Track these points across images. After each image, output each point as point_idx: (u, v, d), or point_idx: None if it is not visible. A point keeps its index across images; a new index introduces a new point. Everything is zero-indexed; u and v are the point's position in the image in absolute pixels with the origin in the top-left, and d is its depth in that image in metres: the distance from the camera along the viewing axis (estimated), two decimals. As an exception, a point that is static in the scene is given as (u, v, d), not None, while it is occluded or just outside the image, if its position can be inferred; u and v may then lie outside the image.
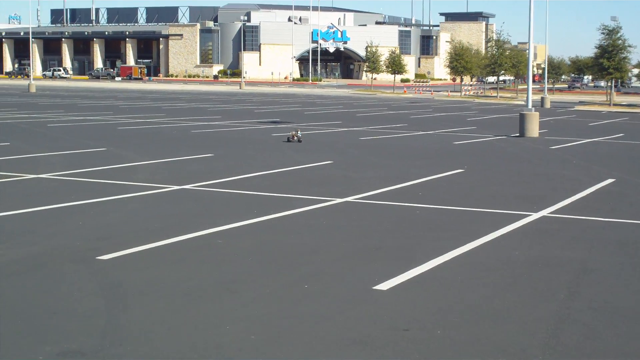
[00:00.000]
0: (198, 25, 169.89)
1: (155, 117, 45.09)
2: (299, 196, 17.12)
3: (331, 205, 16.20)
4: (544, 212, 15.69)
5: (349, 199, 16.95)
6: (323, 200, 16.57)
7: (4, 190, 17.62)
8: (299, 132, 31.19)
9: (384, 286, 10.07)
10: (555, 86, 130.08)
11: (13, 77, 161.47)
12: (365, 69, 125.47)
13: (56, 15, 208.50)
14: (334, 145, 29.91)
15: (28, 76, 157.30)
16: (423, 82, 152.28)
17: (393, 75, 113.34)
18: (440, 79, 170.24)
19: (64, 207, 15.35)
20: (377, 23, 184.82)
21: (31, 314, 8.81)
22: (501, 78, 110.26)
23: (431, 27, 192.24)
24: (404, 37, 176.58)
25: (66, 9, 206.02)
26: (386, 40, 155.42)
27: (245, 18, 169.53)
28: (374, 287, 10.02)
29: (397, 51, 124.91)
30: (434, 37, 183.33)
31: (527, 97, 37.77)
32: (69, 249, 11.85)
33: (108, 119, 42.72)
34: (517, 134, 36.09)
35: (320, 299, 9.56)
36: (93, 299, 9.47)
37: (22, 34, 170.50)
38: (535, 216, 15.28)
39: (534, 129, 35.95)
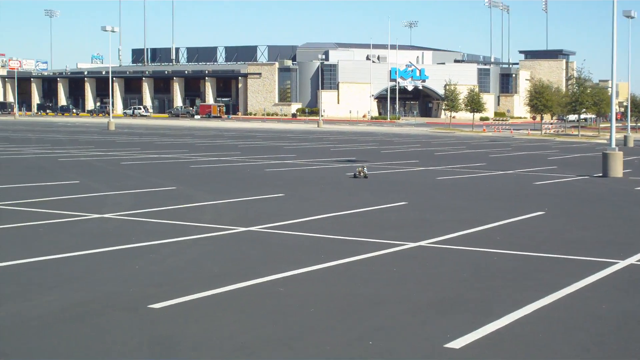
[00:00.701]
0: (277, 64, 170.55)
1: (230, 155, 44.72)
2: (370, 240, 16.29)
3: (403, 250, 15.34)
4: (632, 260, 14.62)
5: (423, 243, 16.06)
6: (395, 245, 15.72)
7: (65, 230, 17.13)
8: (365, 168, 31.90)
9: (457, 344, 9.17)
10: (639, 124, 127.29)
11: (95, 115, 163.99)
12: (443, 107, 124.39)
13: (137, 54, 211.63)
14: (410, 186, 29.05)
15: (108, 114, 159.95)
16: (502, 120, 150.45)
17: (472, 114, 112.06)
18: (520, 117, 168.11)
19: (124, 249, 14.75)
20: (455, 61, 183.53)
21: (70, 371, 8.13)
22: (582, 116, 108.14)
23: (510, 65, 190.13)
24: (482, 75, 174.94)
25: (147, 49, 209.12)
26: (465, 79, 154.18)
27: (324, 57, 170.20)
28: (446, 345, 9.13)
29: (476, 89, 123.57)
30: (514, 75, 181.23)
31: (611, 136, 36.47)
32: (121, 296, 11.19)
33: (183, 157, 42.46)
34: (600, 174, 34.78)
35: (385, 359, 8.70)
36: (138, 354, 8.74)
37: (103, 73, 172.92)
38: (622, 264, 14.21)
39: (617, 169, 34.59)
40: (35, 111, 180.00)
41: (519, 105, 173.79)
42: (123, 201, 22.36)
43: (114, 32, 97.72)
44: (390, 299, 11.34)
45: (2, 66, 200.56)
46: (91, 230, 17.31)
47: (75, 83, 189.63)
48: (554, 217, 20.76)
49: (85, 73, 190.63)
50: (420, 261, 14.36)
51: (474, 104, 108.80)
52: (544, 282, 12.66)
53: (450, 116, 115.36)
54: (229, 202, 22.51)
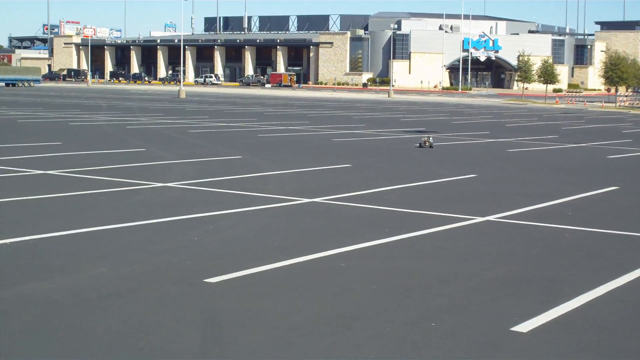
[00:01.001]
0: (348, 34, 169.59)
1: (299, 124, 44.38)
2: (437, 213, 15.81)
3: (471, 224, 14.83)
4: None
5: (491, 217, 15.53)
6: (463, 219, 15.22)
7: (126, 199, 16.93)
8: (430, 138, 31.84)
9: (524, 327, 8.67)
10: None
11: (167, 83, 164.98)
12: (516, 78, 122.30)
13: (209, 23, 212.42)
14: (480, 158, 28.42)
15: (180, 82, 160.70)
16: (576, 92, 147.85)
17: (545, 85, 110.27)
18: (594, 89, 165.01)
19: (184, 219, 14.47)
20: (529, 32, 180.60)
21: (113, 349, 7.83)
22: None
23: (586, 36, 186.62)
24: (557, 46, 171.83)
25: (219, 17, 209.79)
26: (538, 50, 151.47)
27: (396, 26, 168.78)
28: (512, 329, 8.64)
29: (550, 60, 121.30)
30: (589, 47, 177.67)
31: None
32: (176, 269, 10.87)
33: (251, 126, 42.22)
34: (678, 149, 33.72)
35: (446, 341, 8.26)
36: (189, 332, 8.41)
37: (175, 41, 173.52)
38: (702, 244, 13.55)
39: (696, 144, 33.44)
40: (108, 79, 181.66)
41: (593, 77, 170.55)
42: (187, 170, 22.12)
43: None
44: (456, 277, 10.88)
45: (76, 34, 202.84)
46: (153, 199, 17.08)
47: (148, 51, 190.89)
48: (629, 193, 20.02)
49: (158, 41, 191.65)
50: (488, 237, 13.84)
51: (548, 75, 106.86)
52: (618, 261, 12.08)
53: (523, 87, 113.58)
54: (294, 172, 22.15)
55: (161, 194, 17.81)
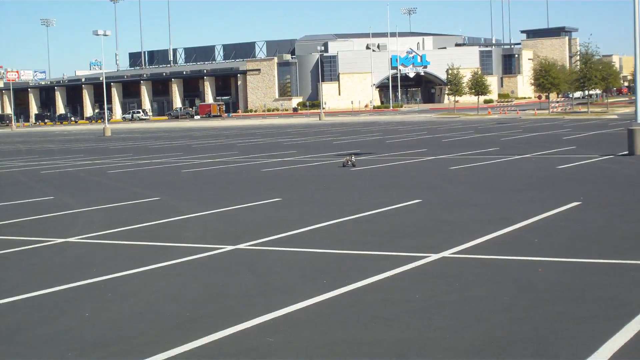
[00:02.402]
0: (275, 59, 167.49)
1: (227, 155, 41.86)
2: (382, 253, 13.43)
3: (424, 265, 12.44)
4: None
5: (446, 253, 13.17)
6: (413, 258, 12.84)
7: (17, 263, 14.26)
8: (353, 157, 31.54)
9: None
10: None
11: (93, 122, 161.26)
12: (447, 92, 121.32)
13: (134, 58, 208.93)
14: (422, 179, 26.18)
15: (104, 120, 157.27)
16: (507, 101, 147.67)
17: (476, 97, 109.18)
18: (524, 98, 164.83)
19: (78, 287, 11.88)
20: (456, 45, 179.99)
21: None
22: (589, 92, 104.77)
23: (512, 46, 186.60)
24: (485, 57, 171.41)
25: (144, 52, 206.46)
26: (467, 62, 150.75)
27: (323, 49, 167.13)
28: None
29: (479, 72, 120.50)
30: (516, 55, 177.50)
31: (636, 110, 33.50)
32: (53, 366, 8.31)
33: (176, 161, 39.58)
34: (626, 152, 31.81)
35: None
36: None
37: (100, 79, 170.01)
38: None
39: (645, 146, 31.58)
40: (34, 122, 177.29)
41: (522, 86, 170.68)
42: (96, 219, 19.44)
43: (106, 35, 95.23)
44: (416, 347, 8.46)
45: (0, 78, 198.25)
46: (47, 261, 14.41)
47: (73, 91, 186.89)
48: (594, 208, 17.80)
49: (83, 80, 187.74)
50: (448, 281, 11.40)
51: (478, 87, 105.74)
52: (614, 303, 9.77)
53: (454, 101, 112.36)
54: (218, 213, 19.57)
55: (59, 252, 15.14)
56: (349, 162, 31.03)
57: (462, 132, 58.37)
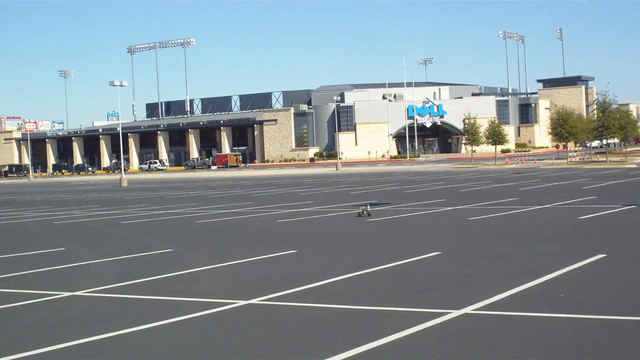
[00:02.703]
0: (292, 110, 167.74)
1: (242, 206, 41.37)
2: (401, 309, 12.85)
3: (445, 322, 11.85)
4: None
5: (469, 309, 12.58)
6: (434, 315, 12.26)
7: (22, 318, 13.73)
8: (368, 206, 31.86)
9: None
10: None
11: (110, 172, 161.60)
12: (464, 141, 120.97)
13: (152, 109, 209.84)
14: (441, 230, 25.57)
15: (125, 170, 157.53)
16: (524, 151, 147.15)
17: (494, 146, 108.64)
18: (542, 147, 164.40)
19: (80, 346, 11.34)
20: (473, 94, 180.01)
21: None
22: (607, 141, 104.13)
23: (529, 95, 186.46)
24: (501, 106, 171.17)
25: (161, 102, 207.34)
26: (484, 111, 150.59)
27: (339, 99, 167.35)
28: None
29: (497, 121, 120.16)
30: (533, 105, 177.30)
31: (659, 160, 32.83)
32: None
33: (191, 211, 39.12)
34: (649, 203, 31.19)
35: None
36: None
37: (118, 129, 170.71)
38: None
39: (670, 196, 30.94)
40: (51, 172, 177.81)
41: (540, 135, 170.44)
42: (106, 272, 18.93)
43: (122, 86, 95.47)
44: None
45: (17, 129, 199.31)
46: (52, 316, 13.88)
47: (91, 141, 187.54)
48: (621, 262, 17.14)
49: (100, 130, 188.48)
50: (471, 340, 10.80)
51: (496, 136, 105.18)
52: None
53: (471, 150, 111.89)
54: (231, 266, 19.03)
55: (66, 307, 14.62)
56: (365, 212, 31.17)
57: (480, 182, 57.75)
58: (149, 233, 28.62)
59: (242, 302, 14.05)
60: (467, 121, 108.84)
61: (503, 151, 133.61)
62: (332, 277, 16.37)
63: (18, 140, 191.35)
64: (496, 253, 19.40)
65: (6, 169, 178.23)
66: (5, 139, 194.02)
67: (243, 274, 17.69)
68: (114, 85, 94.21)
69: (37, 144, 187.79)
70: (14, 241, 28.29)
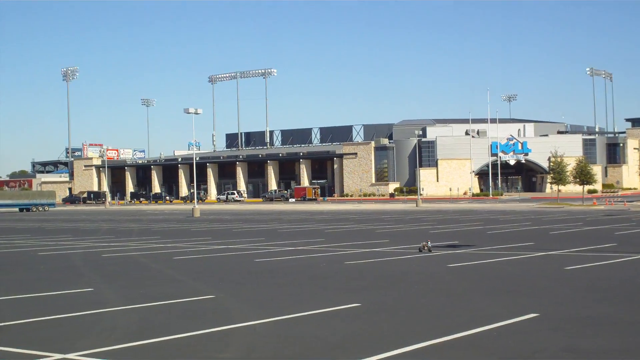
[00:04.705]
0: (372, 143, 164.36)
1: (311, 243, 37.85)
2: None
3: None
4: None
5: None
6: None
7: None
8: (429, 242, 31.73)
9: None
10: None
11: (187, 201, 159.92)
12: (549, 180, 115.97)
13: (231, 139, 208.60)
14: (534, 281, 21.64)
15: (202, 200, 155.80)
16: (613, 192, 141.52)
17: (580, 187, 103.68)
18: (630, 188, 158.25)
19: None
20: (559, 132, 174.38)
21: None
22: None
23: (616, 134, 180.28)
24: (588, 145, 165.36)
25: (241, 133, 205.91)
26: (570, 150, 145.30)
27: (421, 133, 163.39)
28: None
29: (584, 160, 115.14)
30: (621, 145, 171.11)
31: None
32: None
33: (254, 247, 35.73)
34: None
35: None
36: None
37: (197, 159, 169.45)
38: None
39: None
40: (129, 200, 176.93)
41: (628, 176, 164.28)
42: (121, 324, 15.44)
43: (197, 114, 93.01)
44: None
45: (99, 156, 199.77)
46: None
47: (169, 170, 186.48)
48: None
49: (179, 160, 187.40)
50: None
51: (584, 176, 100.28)
52: None
53: (557, 190, 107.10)
54: (276, 322, 15.39)
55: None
56: (425, 247, 31.01)
57: (570, 224, 53.37)
58: (197, 273, 25.22)
59: (276, 381, 10.49)
60: (553, 159, 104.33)
61: (589, 191, 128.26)
62: (400, 347, 12.64)
63: (98, 167, 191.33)
64: (607, 314, 15.51)
65: (85, 195, 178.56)
66: (85, 166, 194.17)
67: (289, 334, 14.09)
68: (189, 113, 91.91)
69: (116, 171, 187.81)
70: (45, 276, 25.16)
